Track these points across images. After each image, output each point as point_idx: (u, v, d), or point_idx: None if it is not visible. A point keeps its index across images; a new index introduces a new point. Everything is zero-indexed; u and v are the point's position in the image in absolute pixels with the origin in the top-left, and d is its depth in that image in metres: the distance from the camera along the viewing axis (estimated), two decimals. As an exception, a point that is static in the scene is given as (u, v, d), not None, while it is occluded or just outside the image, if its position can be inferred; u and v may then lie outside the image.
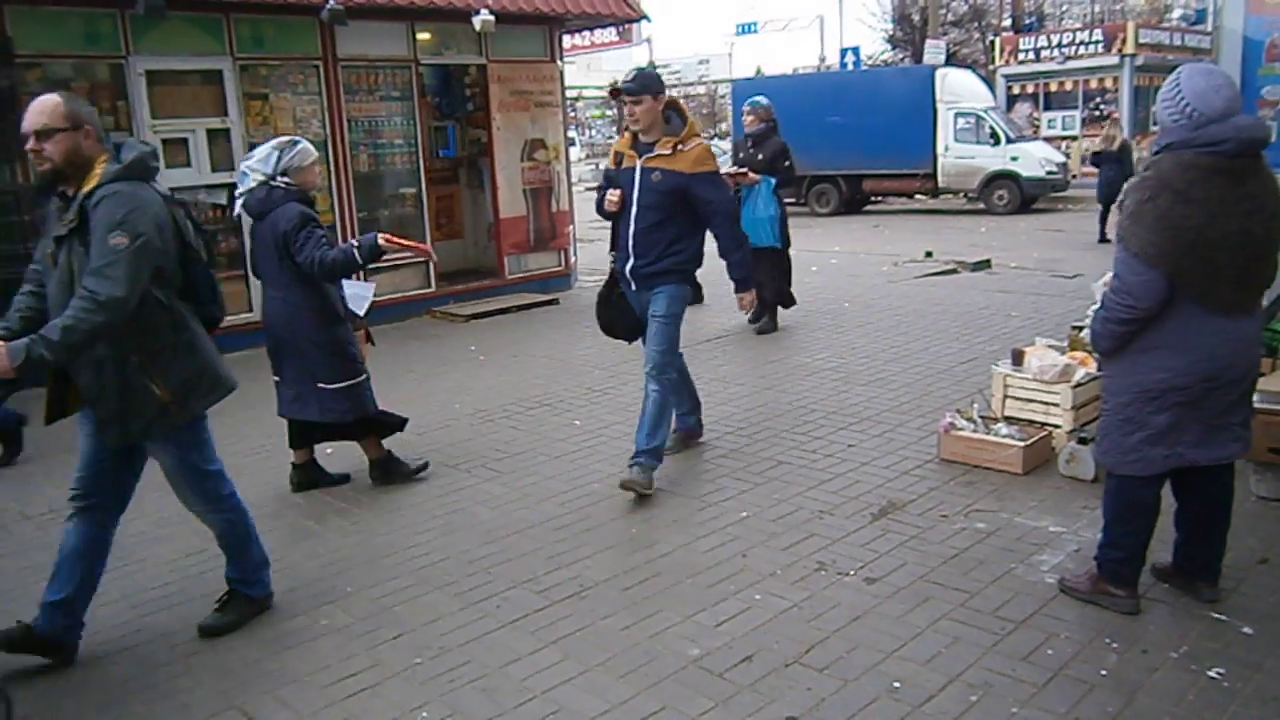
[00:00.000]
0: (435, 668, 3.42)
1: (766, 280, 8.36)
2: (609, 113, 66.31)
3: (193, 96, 8.89)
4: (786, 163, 8.44)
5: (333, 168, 9.69)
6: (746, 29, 52.05)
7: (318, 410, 5.06)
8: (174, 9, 8.18)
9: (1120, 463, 3.51)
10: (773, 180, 8.31)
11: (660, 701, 3.16)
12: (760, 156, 8.39)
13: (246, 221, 6.12)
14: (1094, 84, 23.83)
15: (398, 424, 5.38)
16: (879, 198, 22.17)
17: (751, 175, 8.26)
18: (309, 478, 5.32)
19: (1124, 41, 23.32)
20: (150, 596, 4.12)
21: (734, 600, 3.80)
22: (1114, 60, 23.36)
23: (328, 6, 8.92)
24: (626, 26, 17.98)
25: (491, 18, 10.05)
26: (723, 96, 62.42)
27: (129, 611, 3.98)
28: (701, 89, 73.92)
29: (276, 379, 5.19)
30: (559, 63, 11.77)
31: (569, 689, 3.25)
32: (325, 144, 9.64)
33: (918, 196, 21.52)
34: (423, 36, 10.41)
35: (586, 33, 19.53)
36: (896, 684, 3.20)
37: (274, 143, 5.05)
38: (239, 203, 5.08)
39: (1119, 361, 3.49)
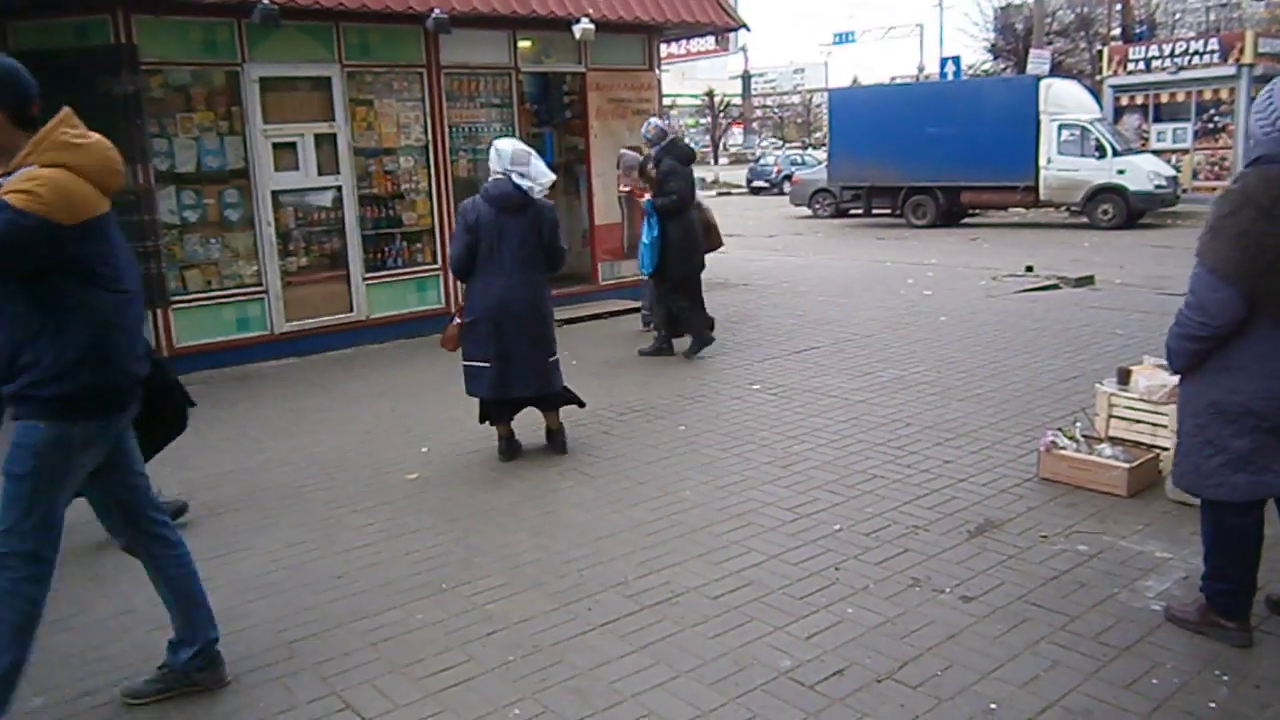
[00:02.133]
0: (527, 666, 3.47)
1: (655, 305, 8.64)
2: (703, 121, 66.42)
3: (302, 102, 9.18)
4: (671, 185, 8.10)
5: (433, 173, 9.92)
6: (844, 38, 51.70)
7: (559, 379, 5.81)
8: (287, 18, 8.48)
9: (1200, 486, 3.40)
10: (650, 204, 8.16)
11: (750, 711, 3.14)
12: (653, 176, 8.26)
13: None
14: (1208, 95, 22.94)
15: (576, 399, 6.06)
16: (977, 210, 21.74)
17: (644, 194, 8.28)
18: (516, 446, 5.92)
19: (1242, 51, 22.41)
20: (254, 584, 4.26)
21: (826, 613, 3.77)
22: (1230, 71, 22.46)
23: (433, 15, 9.14)
24: (724, 35, 17.97)
25: (592, 26, 10.17)
26: (818, 105, 62.02)
27: (235, 598, 4.12)
28: (796, 98, 73.62)
29: (501, 362, 5.56)
30: (656, 71, 11.84)
31: (659, 694, 3.26)
32: (426, 149, 9.87)
33: (1017, 210, 21.04)
34: (523, 44, 10.57)
35: (683, 41, 19.58)
36: (993, 706, 3.13)
37: (525, 148, 5.62)
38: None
39: (1195, 379, 3.38)
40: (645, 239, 8.29)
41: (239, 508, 5.23)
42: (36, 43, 8.17)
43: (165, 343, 8.43)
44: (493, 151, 5.61)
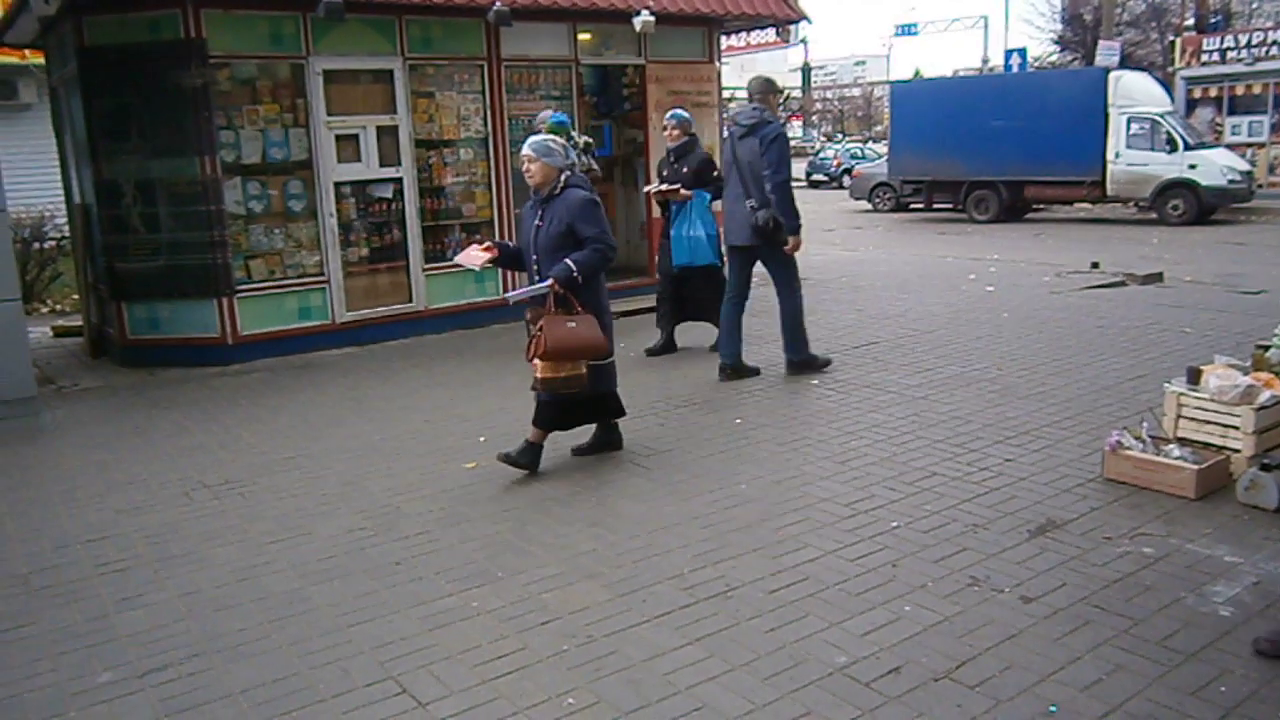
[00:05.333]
0: (582, 656, 3.48)
1: (709, 300, 8.08)
2: (761, 114, 65.85)
3: (364, 94, 9.29)
4: (714, 173, 8.03)
5: (492, 165, 9.99)
6: (906, 30, 51.06)
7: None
8: (352, 12, 8.58)
9: None
10: (707, 195, 7.98)
11: (805, 706, 3.12)
12: (685, 170, 8.06)
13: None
14: (1286, 87, 22.24)
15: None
16: (1041, 205, 21.32)
17: (684, 192, 8.00)
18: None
19: (1323, 42, 21.71)
20: (315, 568, 4.33)
21: (882, 610, 3.73)
22: (1311, 62, 21.76)
23: (494, 8, 9.19)
24: (785, 27, 17.84)
25: (652, 18, 10.15)
26: (879, 98, 61.28)
27: (296, 580, 4.20)
28: (857, 91, 72.86)
29: None
30: (717, 63, 11.79)
31: (713, 687, 3.25)
32: (486, 141, 9.94)
33: (1083, 205, 20.59)
34: (583, 37, 10.59)
35: (743, 33, 19.50)
36: (1053, 708, 3.07)
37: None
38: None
39: None
40: (700, 231, 8.05)
41: (299, 493, 5.32)
42: (110, 37, 8.39)
43: (230, 330, 8.61)
44: (558, 146, 5.39)
